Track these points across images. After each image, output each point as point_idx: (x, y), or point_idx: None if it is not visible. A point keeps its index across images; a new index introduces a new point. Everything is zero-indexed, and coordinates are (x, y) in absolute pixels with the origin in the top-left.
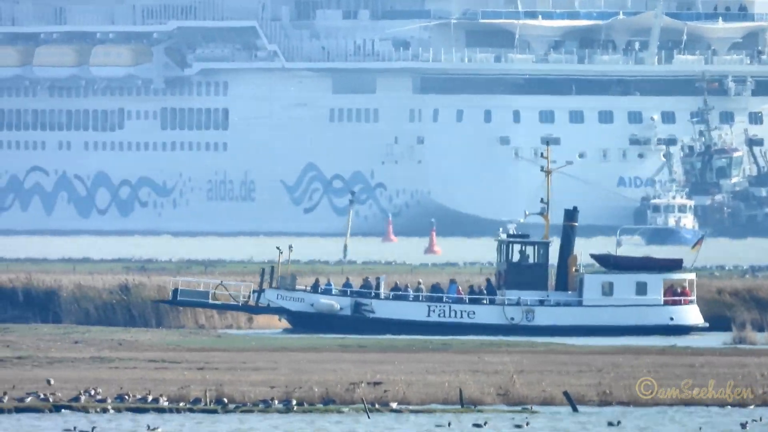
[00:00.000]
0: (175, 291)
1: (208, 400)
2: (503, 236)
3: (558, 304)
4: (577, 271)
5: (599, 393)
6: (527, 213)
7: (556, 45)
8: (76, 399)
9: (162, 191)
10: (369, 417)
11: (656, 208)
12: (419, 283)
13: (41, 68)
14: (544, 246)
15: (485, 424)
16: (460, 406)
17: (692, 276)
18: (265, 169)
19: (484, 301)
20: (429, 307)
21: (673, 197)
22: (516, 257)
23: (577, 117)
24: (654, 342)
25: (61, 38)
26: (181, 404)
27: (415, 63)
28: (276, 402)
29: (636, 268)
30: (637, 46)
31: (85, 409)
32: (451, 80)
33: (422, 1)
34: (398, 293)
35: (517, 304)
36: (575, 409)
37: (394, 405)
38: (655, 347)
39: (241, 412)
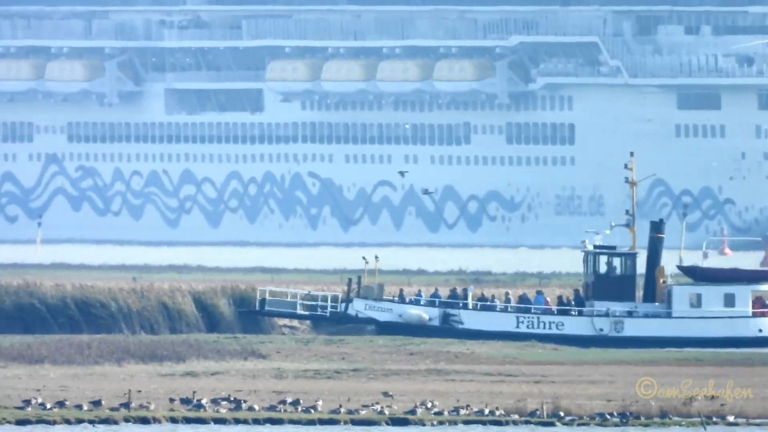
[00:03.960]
0: (263, 301)
1: (544, 413)
2: (590, 247)
3: (646, 316)
4: (664, 282)
5: None
6: (612, 224)
7: None
8: (412, 412)
9: (510, 206)
10: (705, 430)
11: None
12: (507, 294)
13: (384, 83)
14: (631, 257)
15: None
16: None
17: None
18: (613, 184)
19: (573, 312)
20: (518, 318)
21: None
22: (603, 269)
23: None
24: None
25: (404, 52)
26: (518, 417)
27: (759, 79)
28: (613, 415)
29: (724, 280)
30: None
31: (421, 422)
32: None
33: (764, 16)
34: (486, 304)
35: (606, 315)
36: None
37: (731, 419)
38: None
39: (578, 425)
